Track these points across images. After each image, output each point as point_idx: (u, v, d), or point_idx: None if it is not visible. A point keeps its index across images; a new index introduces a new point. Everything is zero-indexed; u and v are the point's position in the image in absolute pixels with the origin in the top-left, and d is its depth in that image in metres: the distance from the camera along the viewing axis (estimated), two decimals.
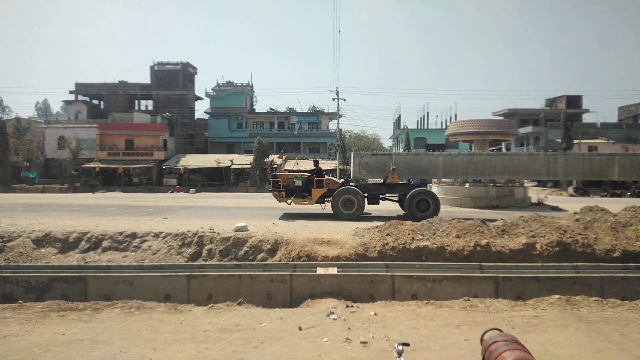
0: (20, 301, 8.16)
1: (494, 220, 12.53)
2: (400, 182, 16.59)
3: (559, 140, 42.69)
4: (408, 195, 15.67)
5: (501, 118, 46.48)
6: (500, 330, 2.91)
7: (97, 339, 5.97)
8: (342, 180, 17.16)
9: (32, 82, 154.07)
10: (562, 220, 11.47)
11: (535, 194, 23.78)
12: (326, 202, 16.50)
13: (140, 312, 7.31)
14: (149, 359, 5.26)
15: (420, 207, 15.43)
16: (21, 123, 51.03)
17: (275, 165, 37.66)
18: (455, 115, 54.47)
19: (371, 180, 18.21)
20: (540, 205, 20.42)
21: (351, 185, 16.22)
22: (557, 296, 7.88)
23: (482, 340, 2.98)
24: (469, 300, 7.81)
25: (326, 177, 17.00)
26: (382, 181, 16.78)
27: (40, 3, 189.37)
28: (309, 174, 16.97)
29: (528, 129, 48.79)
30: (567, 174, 17.21)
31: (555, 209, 18.56)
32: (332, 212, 15.84)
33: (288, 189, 16.44)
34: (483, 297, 8.12)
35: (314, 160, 18.25)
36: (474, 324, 6.43)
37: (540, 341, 5.74)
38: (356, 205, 15.50)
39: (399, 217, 15.36)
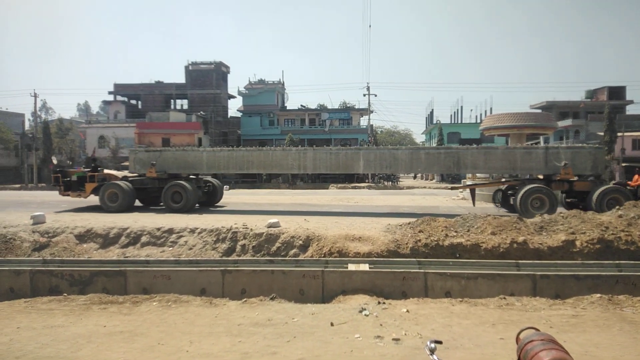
0: (65, 294, 8.56)
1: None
2: (164, 176, 17.38)
3: (601, 134, 40.90)
4: (165, 187, 16.67)
5: (539, 111, 44.99)
6: (537, 329, 2.83)
7: (136, 331, 6.18)
8: (123, 174, 18.33)
9: (73, 83, 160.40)
10: (603, 216, 11.02)
11: None
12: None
13: (177, 306, 7.53)
14: (185, 351, 5.42)
15: (175, 199, 16.53)
16: (63, 123, 53.28)
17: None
18: (491, 109, 53.04)
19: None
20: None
21: (126, 180, 17.27)
22: (599, 295, 7.60)
23: (517, 339, 2.90)
24: (504, 298, 7.65)
25: (106, 171, 18.15)
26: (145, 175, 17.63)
27: (80, 10, 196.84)
28: (89, 170, 18.06)
29: (567, 122, 47.04)
30: (316, 168, 17.58)
31: None
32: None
33: (68, 184, 17.65)
34: (520, 295, 7.92)
35: (92, 158, 19.92)
36: (510, 323, 6.29)
37: (580, 341, 5.56)
38: (120, 198, 16.49)
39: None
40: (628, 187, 14.75)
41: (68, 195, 17.79)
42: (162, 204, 17.31)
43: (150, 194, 17.78)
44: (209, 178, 19.61)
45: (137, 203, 18.17)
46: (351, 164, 16.90)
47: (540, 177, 15.78)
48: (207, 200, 18.74)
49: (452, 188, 20.30)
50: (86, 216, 14.34)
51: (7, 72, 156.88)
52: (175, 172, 17.63)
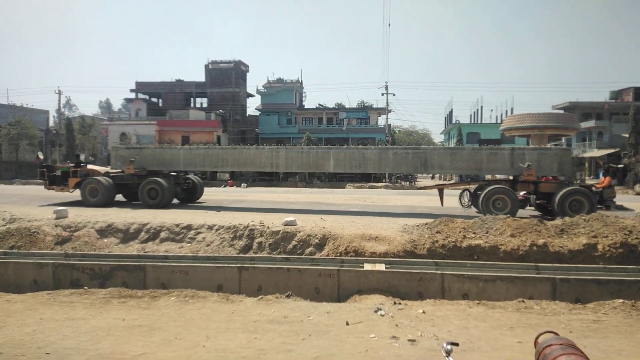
0: (85, 287, 8.75)
1: (553, 219, 11.96)
2: (142, 173, 17.81)
3: (626, 135, 39.86)
4: (142, 183, 17.15)
5: (561, 112, 44.13)
6: (556, 334, 2.78)
7: (154, 326, 6.28)
8: (106, 170, 19.14)
9: (95, 81, 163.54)
10: (627, 220, 10.75)
11: None
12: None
13: (194, 301, 7.62)
14: (202, 346, 5.48)
15: (151, 194, 17.03)
16: (86, 120, 54.42)
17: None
18: (512, 109, 52.29)
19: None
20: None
21: (108, 175, 17.97)
22: (621, 300, 7.42)
23: (536, 343, 2.87)
24: (523, 301, 7.53)
25: (89, 167, 19.13)
26: (123, 172, 18.21)
27: (102, 9, 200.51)
28: (73, 165, 18.89)
29: (590, 124, 45.99)
30: (287, 166, 17.93)
31: (620, 207, 17.36)
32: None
33: (53, 178, 18.53)
34: (539, 298, 7.80)
35: (75, 155, 21.11)
36: (528, 326, 6.19)
37: (601, 347, 5.44)
38: (99, 192, 17.14)
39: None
40: (594, 189, 14.41)
41: (53, 189, 18.60)
42: None
43: (131, 189, 18.33)
44: (191, 175, 20.21)
45: (121, 198, 18.72)
46: (322, 163, 17.12)
47: (510, 178, 15.73)
48: (187, 197, 19.29)
49: (420, 188, 20.54)
50: (107, 211, 14.62)
51: (31, 70, 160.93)
52: (155, 169, 18.13)
